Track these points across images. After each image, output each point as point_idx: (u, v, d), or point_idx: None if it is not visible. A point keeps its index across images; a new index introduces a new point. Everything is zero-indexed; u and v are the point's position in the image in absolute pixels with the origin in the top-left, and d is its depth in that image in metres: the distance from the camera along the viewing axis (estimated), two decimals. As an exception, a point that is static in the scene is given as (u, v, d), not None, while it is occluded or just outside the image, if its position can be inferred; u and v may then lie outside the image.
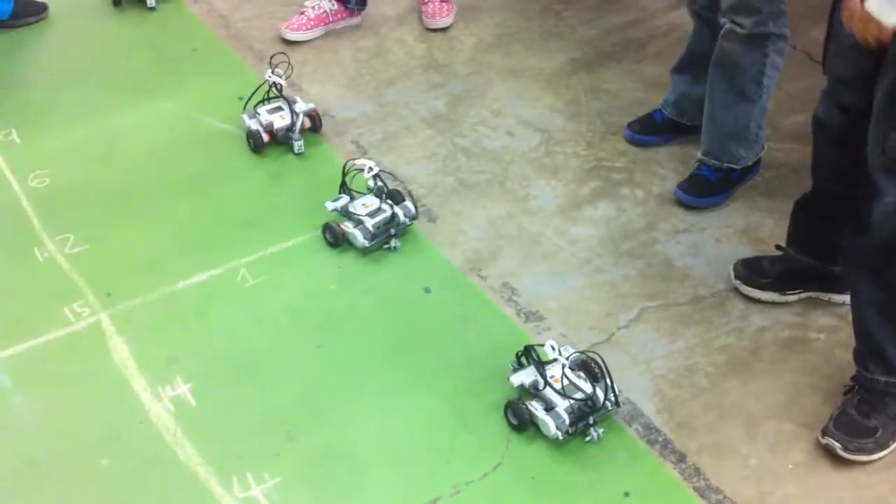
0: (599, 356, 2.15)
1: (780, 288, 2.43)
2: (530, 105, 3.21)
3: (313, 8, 3.57)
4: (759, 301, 2.44)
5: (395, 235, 2.61)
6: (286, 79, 3.07)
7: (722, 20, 2.56)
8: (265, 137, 2.96)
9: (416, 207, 2.65)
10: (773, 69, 2.61)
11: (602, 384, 2.12)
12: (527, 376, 2.18)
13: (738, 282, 2.46)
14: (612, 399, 2.12)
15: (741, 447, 2.11)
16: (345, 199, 2.66)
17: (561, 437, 2.07)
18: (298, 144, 2.98)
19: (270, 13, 3.71)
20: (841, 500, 2.01)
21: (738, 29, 2.52)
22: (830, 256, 2.36)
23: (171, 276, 2.53)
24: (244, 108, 3.06)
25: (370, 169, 2.66)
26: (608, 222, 2.73)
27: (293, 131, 2.98)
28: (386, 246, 2.61)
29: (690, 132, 2.96)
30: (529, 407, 2.12)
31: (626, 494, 2.02)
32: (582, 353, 2.18)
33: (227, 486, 2.04)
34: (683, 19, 3.48)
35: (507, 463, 2.08)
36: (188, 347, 2.36)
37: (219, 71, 3.41)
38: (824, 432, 2.08)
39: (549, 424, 2.07)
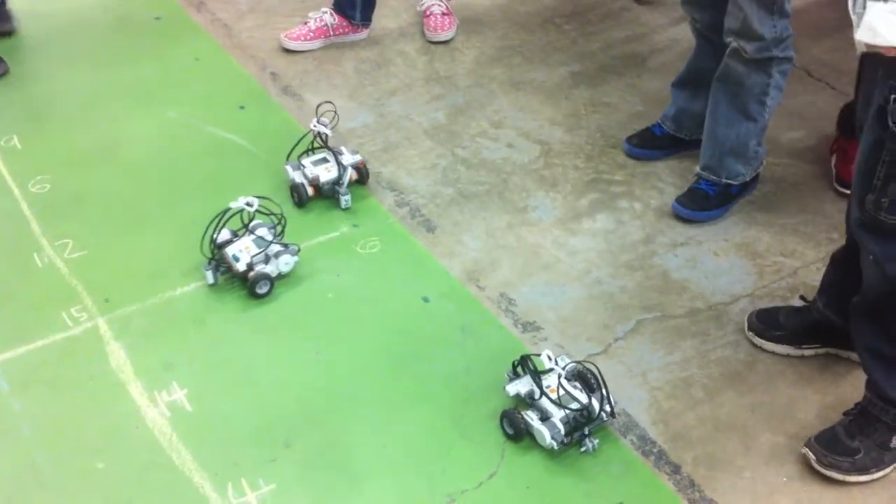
0: (595, 366, 2.15)
1: (796, 341, 2.35)
2: (530, 117, 3.23)
3: (315, 20, 3.59)
4: (773, 353, 2.37)
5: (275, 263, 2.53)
6: (332, 128, 2.88)
7: (727, 39, 2.57)
8: (310, 191, 2.79)
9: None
10: (777, 90, 2.62)
11: (598, 395, 2.13)
12: (523, 386, 2.18)
13: (750, 333, 2.39)
14: (608, 410, 2.12)
15: (736, 459, 2.12)
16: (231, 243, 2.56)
17: (556, 447, 2.08)
18: (346, 199, 2.78)
19: (274, 23, 3.73)
20: (835, 513, 2.02)
21: (742, 52, 2.53)
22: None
23: (170, 283, 2.54)
24: (287, 158, 2.89)
25: (249, 204, 2.53)
26: (607, 234, 2.74)
27: (340, 185, 2.79)
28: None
29: (689, 146, 2.98)
30: (525, 416, 2.12)
31: (621, 505, 2.03)
32: (578, 363, 2.19)
33: (221, 492, 2.03)
34: (684, 35, 3.51)
35: (503, 472, 2.08)
36: (185, 353, 2.36)
37: (221, 80, 3.43)
38: (806, 443, 2.09)
39: (545, 434, 2.07)
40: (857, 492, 2.05)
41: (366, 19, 3.62)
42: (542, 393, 2.13)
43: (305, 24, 3.60)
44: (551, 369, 2.18)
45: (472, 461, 2.11)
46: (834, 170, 2.90)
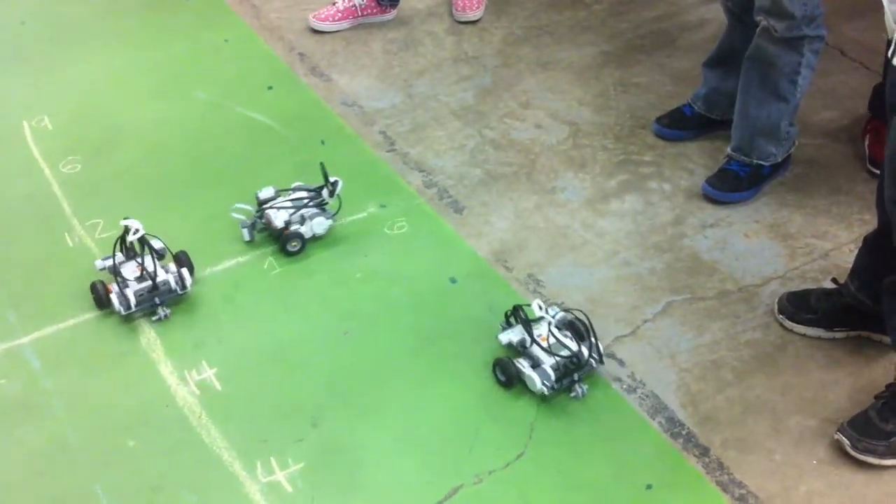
0: (585, 315, 2.20)
1: (827, 325, 2.32)
2: (559, 98, 3.21)
3: (343, 1, 3.58)
4: (804, 336, 2.34)
5: (163, 304, 2.41)
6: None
7: (757, 18, 2.54)
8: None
9: (187, 278, 2.43)
10: (808, 69, 2.59)
11: (587, 343, 2.18)
12: (515, 335, 2.24)
13: (781, 317, 2.37)
14: (596, 356, 2.18)
15: (765, 442, 2.10)
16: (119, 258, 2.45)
17: (546, 393, 2.13)
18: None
19: (302, 4, 3.73)
20: (864, 496, 2.00)
21: (773, 31, 2.50)
22: None
23: (199, 263, 2.54)
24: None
25: (136, 231, 2.42)
26: (635, 216, 2.72)
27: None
28: (155, 317, 2.40)
29: (720, 127, 2.95)
30: (517, 364, 2.17)
31: (649, 487, 2.02)
32: (568, 311, 2.24)
33: (250, 471, 2.05)
34: (714, 14, 3.48)
35: (530, 453, 2.08)
36: (214, 333, 2.37)
37: (250, 61, 3.43)
38: (839, 428, 2.07)
39: (535, 380, 2.13)
40: (888, 475, 2.03)
41: (393, 0, 3.61)
42: (533, 341, 2.19)
43: (333, 4, 3.60)
44: (542, 318, 2.23)
45: (500, 441, 2.11)
46: (867, 151, 2.86)
